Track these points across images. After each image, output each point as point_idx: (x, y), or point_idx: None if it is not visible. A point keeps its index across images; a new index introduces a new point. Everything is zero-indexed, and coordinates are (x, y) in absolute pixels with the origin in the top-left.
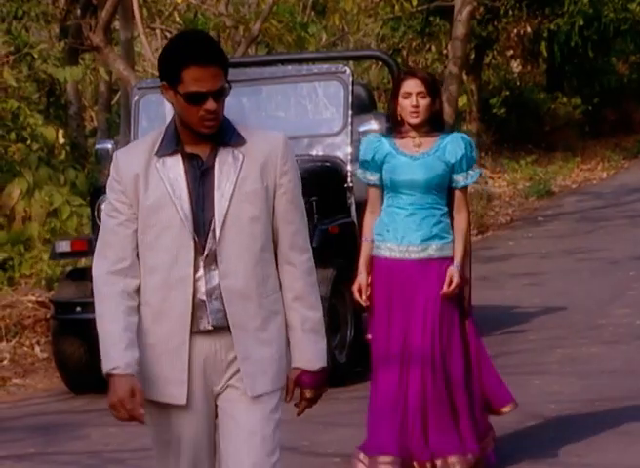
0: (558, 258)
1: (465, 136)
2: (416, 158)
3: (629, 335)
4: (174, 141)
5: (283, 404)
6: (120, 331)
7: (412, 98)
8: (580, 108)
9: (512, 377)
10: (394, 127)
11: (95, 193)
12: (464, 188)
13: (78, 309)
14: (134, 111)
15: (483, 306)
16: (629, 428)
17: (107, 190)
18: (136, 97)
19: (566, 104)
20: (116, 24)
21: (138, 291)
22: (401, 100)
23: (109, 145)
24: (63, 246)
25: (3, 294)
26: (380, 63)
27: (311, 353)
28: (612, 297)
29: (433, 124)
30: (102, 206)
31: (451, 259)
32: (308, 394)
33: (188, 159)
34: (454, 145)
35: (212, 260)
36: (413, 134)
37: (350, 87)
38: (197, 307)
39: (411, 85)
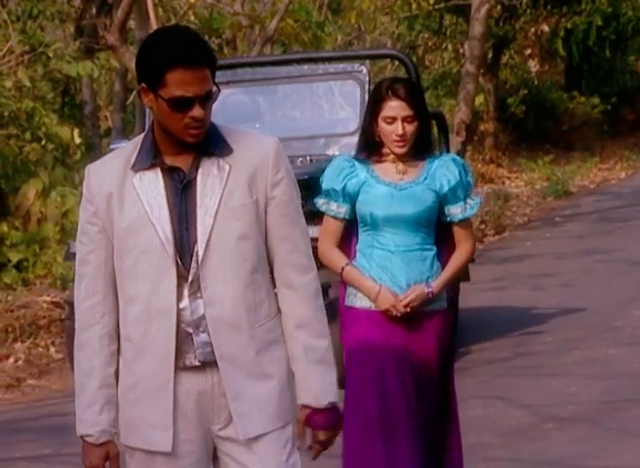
0: (576, 259)
1: (457, 158)
2: (401, 188)
3: None
4: (152, 153)
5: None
6: (95, 388)
7: (397, 125)
8: (598, 108)
9: (530, 379)
10: (370, 149)
11: None
12: (464, 221)
13: None
14: (148, 111)
15: (500, 307)
16: None
17: (80, 211)
18: None
19: (584, 104)
20: (131, 24)
21: (118, 326)
22: (382, 125)
23: (124, 145)
24: None
25: (18, 295)
26: (397, 63)
27: (319, 387)
28: (630, 299)
29: (419, 148)
30: None
31: (444, 312)
32: (321, 436)
33: (168, 172)
34: (444, 170)
35: (197, 287)
36: (393, 157)
37: (367, 86)
38: (182, 341)
39: (396, 108)
